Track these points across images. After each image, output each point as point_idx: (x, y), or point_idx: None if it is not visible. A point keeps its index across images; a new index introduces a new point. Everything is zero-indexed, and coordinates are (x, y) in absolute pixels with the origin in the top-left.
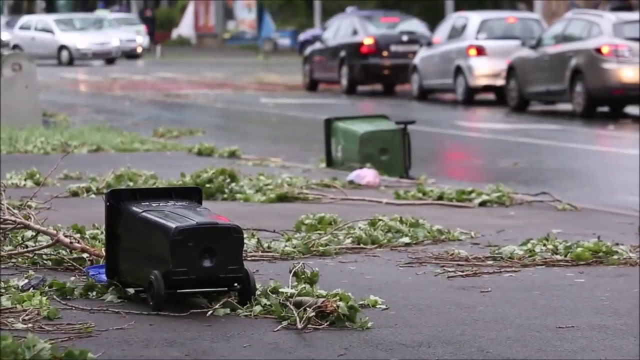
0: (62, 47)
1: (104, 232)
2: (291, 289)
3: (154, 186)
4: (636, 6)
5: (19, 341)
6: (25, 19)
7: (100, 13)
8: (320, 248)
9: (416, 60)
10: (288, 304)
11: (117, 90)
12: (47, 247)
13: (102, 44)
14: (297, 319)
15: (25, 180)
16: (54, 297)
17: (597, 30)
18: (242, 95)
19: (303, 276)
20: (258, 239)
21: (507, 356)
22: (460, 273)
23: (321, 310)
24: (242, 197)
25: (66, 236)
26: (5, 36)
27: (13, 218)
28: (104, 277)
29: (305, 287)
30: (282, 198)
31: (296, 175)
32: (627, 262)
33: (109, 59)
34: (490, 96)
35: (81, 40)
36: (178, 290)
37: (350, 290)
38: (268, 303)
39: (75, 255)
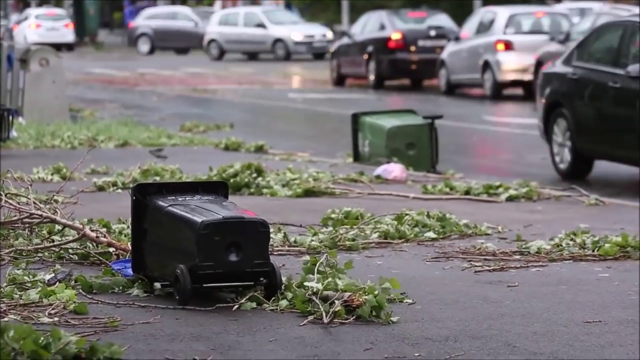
0: (276, 41)
1: (130, 227)
2: (317, 283)
3: (180, 180)
4: None
5: (44, 334)
6: (226, 12)
7: None
8: (347, 242)
9: (444, 55)
10: (314, 298)
11: (145, 85)
12: (73, 241)
13: (311, 36)
14: (323, 314)
15: (52, 174)
16: (80, 291)
17: None
18: (270, 91)
19: (322, 269)
20: (284, 233)
21: (534, 351)
22: (487, 268)
23: (347, 305)
24: (268, 192)
25: (92, 230)
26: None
27: (40, 212)
28: (130, 271)
29: (331, 282)
30: (309, 193)
31: (323, 170)
32: None
33: (316, 53)
34: (518, 91)
35: (295, 33)
36: (204, 285)
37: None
38: (294, 297)
39: (101, 250)
